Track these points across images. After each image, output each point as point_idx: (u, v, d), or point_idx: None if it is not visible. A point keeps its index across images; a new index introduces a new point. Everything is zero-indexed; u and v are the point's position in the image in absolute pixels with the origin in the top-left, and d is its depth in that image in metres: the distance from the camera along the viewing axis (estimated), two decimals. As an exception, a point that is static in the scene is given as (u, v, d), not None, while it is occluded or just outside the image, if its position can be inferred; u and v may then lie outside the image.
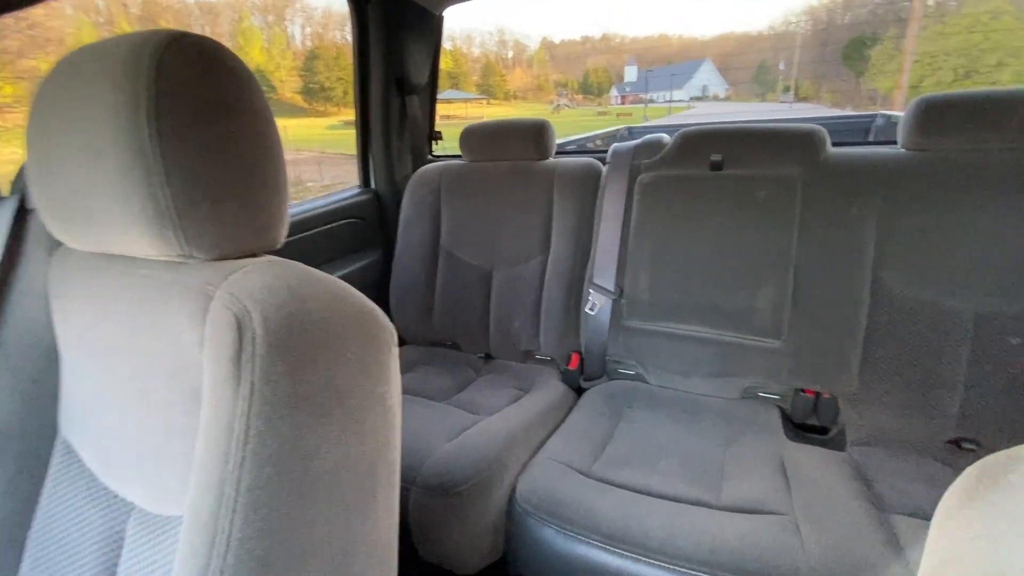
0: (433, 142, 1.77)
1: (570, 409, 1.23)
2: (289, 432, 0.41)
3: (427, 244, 1.51)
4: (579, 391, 1.33)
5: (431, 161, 1.67)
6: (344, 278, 1.49)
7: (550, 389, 1.29)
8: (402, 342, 1.58)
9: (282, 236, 0.53)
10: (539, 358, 1.42)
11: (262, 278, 0.46)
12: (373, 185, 1.66)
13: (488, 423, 1.10)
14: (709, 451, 1.03)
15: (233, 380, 0.41)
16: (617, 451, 1.05)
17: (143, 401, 0.51)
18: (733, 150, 1.19)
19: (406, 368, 1.44)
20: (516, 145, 1.44)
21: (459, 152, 1.53)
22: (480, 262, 1.47)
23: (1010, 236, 0.97)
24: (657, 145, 1.29)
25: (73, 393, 0.60)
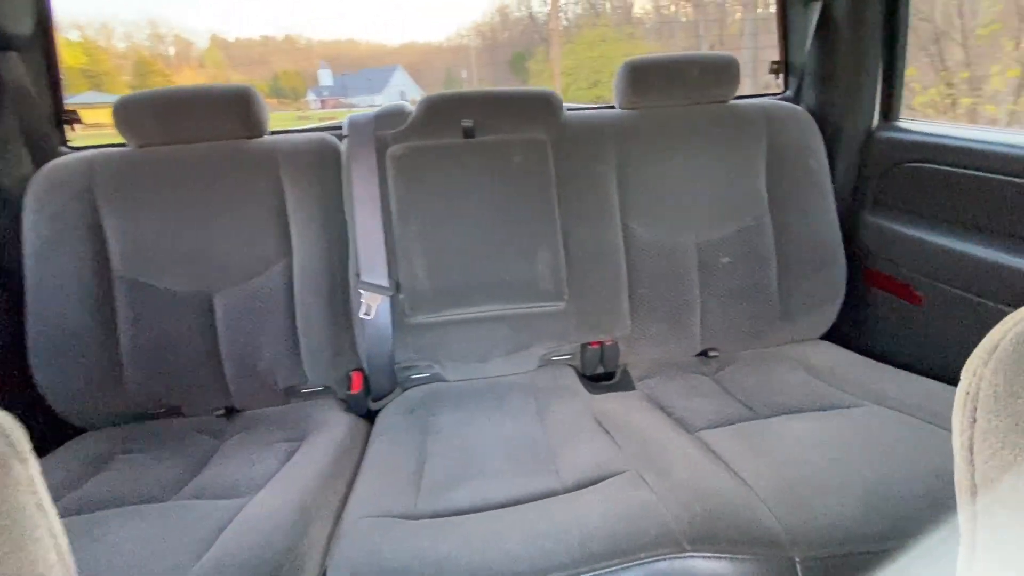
0: (67, 127, 1.19)
1: (366, 443, 0.99)
2: None
3: (86, 274, 1.00)
4: (371, 416, 1.09)
5: (66, 153, 1.11)
6: None
7: (333, 427, 1.01)
8: (72, 431, 1.03)
9: None
10: (307, 392, 1.11)
11: None
12: None
13: (258, 504, 0.77)
14: (529, 432, 0.95)
15: None
16: (437, 472, 0.87)
17: None
18: (482, 116, 1.12)
19: (91, 469, 0.93)
20: (212, 121, 1.06)
21: (120, 139, 1.06)
22: (190, 287, 1.05)
23: (707, 177, 1.17)
24: (400, 113, 1.13)
25: None
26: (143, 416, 1.05)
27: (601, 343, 1.16)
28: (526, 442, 0.92)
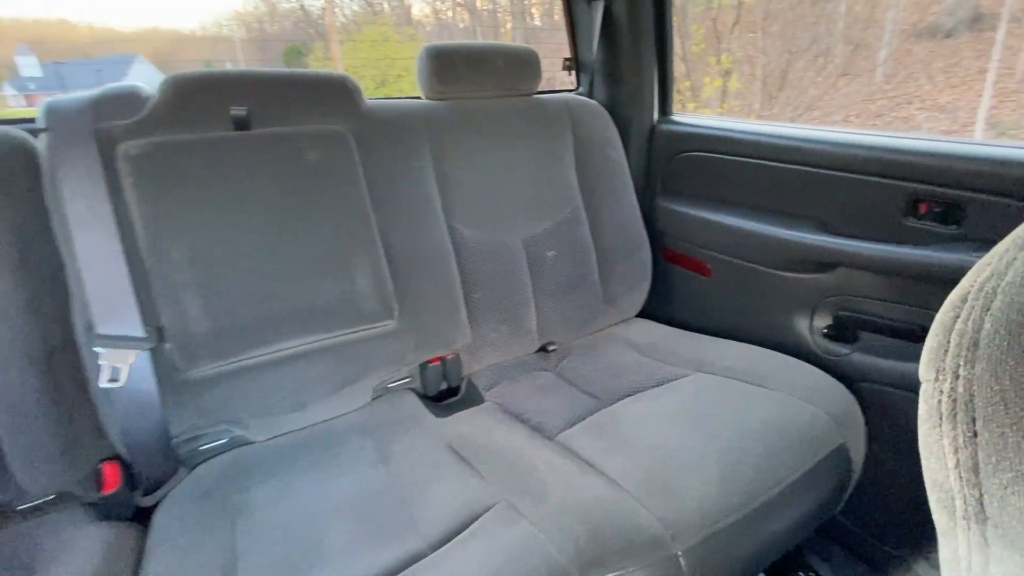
0: None
1: (139, 557, 0.70)
2: None
3: None
4: (144, 515, 0.78)
5: None
6: None
7: (80, 551, 0.69)
8: None
9: None
10: (26, 509, 0.74)
11: None
12: None
13: None
14: (372, 484, 0.78)
15: None
16: (258, 568, 0.65)
17: None
18: (258, 102, 0.88)
19: None
20: None
21: None
22: None
23: (524, 171, 1.14)
24: (133, 99, 0.82)
25: None
26: None
27: (442, 358, 1.05)
28: (371, 498, 0.75)
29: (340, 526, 0.71)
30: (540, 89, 1.22)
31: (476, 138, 1.10)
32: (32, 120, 0.82)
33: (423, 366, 1.03)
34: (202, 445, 0.85)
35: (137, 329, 0.76)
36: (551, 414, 0.93)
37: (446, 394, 1.09)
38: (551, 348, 1.17)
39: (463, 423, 0.92)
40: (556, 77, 1.52)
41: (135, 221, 0.78)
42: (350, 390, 0.95)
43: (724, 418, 0.83)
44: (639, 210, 1.28)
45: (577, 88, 1.44)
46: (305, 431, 0.92)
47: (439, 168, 1.04)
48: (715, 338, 1.13)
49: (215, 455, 0.86)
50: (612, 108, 1.30)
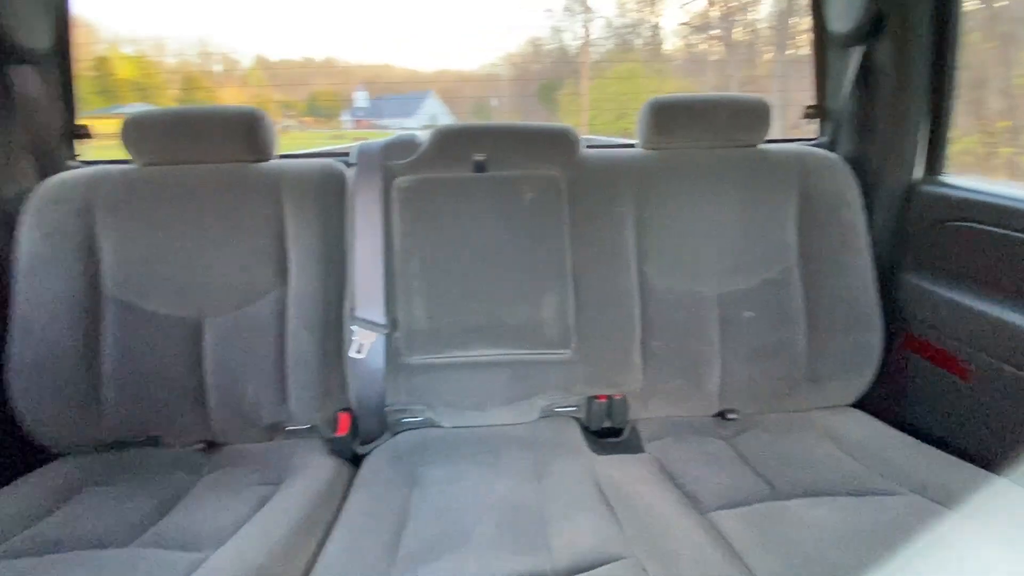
0: (76, 140, 1.18)
1: (347, 489, 0.91)
2: None
3: (76, 294, 0.97)
4: (357, 460, 1.02)
5: (74, 168, 1.10)
6: None
7: (314, 471, 0.94)
8: (46, 456, 0.98)
9: None
10: (292, 430, 1.04)
11: None
12: None
13: (219, 561, 0.70)
14: (524, 497, 0.86)
15: None
16: (419, 534, 0.78)
17: None
18: (494, 150, 1.07)
19: (58, 499, 0.87)
20: (218, 143, 1.03)
21: (126, 156, 1.04)
22: (181, 312, 1.00)
23: (732, 224, 1.09)
24: (410, 144, 1.09)
25: None
26: (120, 444, 1.00)
27: (609, 397, 1.08)
28: (519, 509, 0.83)
29: (488, 523, 0.80)
30: (774, 137, 1.16)
31: (683, 185, 1.10)
32: (347, 154, 1.14)
33: (590, 400, 1.08)
34: (405, 418, 1.05)
35: (380, 317, 0.99)
36: (711, 487, 0.87)
37: (608, 432, 1.11)
38: (731, 416, 1.09)
39: (616, 467, 0.93)
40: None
41: (395, 235, 1.03)
42: (522, 405, 1.06)
43: (932, 565, 0.66)
44: (875, 283, 1.09)
45: (817, 139, 1.31)
46: (481, 429, 1.06)
47: (640, 213, 1.08)
48: (956, 459, 0.89)
49: (412, 428, 1.06)
50: (858, 163, 1.14)
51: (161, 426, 1.00)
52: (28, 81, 1.04)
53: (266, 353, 1.00)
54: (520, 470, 0.93)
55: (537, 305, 1.04)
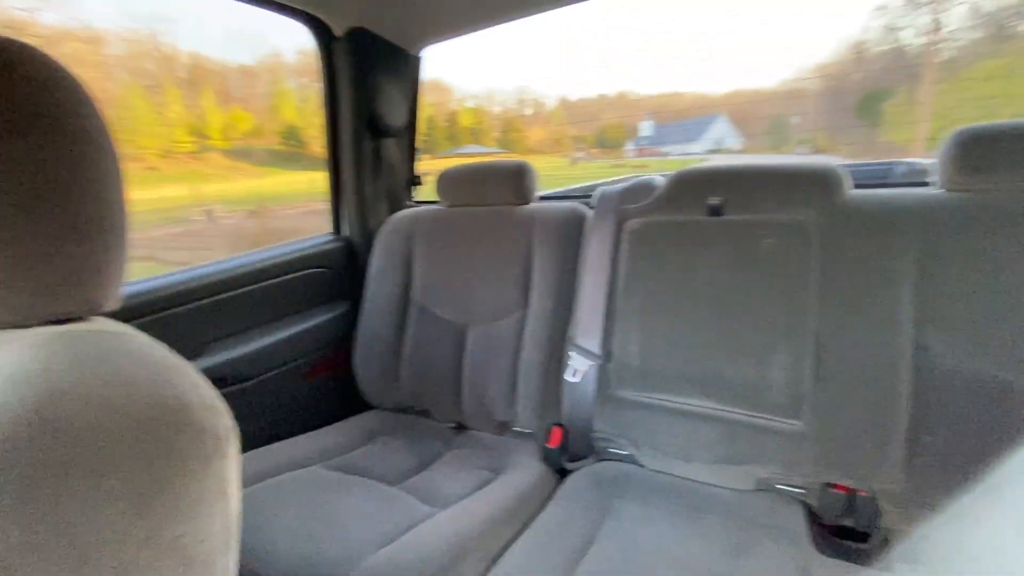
0: (413, 188, 1.66)
1: (548, 497, 1.02)
2: None
3: (397, 297, 1.36)
4: (562, 472, 1.12)
5: (408, 207, 1.55)
6: (302, 335, 1.34)
7: (526, 471, 1.08)
8: (366, 406, 1.39)
9: (107, 296, 0.38)
10: (517, 431, 1.22)
11: (21, 358, 0.30)
12: (345, 232, 1.53)
13: (439, 521, 0.90)
14: (714, 565, 0.80)
15: None
16: (599, 562, 0.83)
17: None
18: (734, 192, 1.02)
19: (366, 438, 1.25)
20: (494, 189, 1.30)
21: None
22: (454, 318, 1.30)
23: None
24: (648, 188, 1.14)
25: None
26: (406, 409, 1.35)
27: (852, 490, 0.89)
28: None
29: (669, 574, 0.79)
30: None
31: (997, 240, 0.83)
32: (589, 196, 1.26)
33: (825, 487, 0.91)
34: (610, 447, 1.10)
35: (596, 348, 1.08)
36: None
37: (850, 534, 0.91)
38: None
39: (840, 574, 0.78)
40: None
41: (620, 274, 1.09)
42: (733, 469, 0.97)
43: None
44: None
45: None
46: (685, 483, 1.02)
47: (924, 270, 0.86)
48: None
49: (615, 459, 1.10)
50: None
51: (431, 402, 1.31)
52: (390, 149, 1.52)
53: (505, 361, 1.21)
54: (719, 538, 0.87)
55: (764, 364, 0.94)
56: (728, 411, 0.97)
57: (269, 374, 1.27)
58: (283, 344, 1.31)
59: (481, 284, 1.27)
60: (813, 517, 0.92)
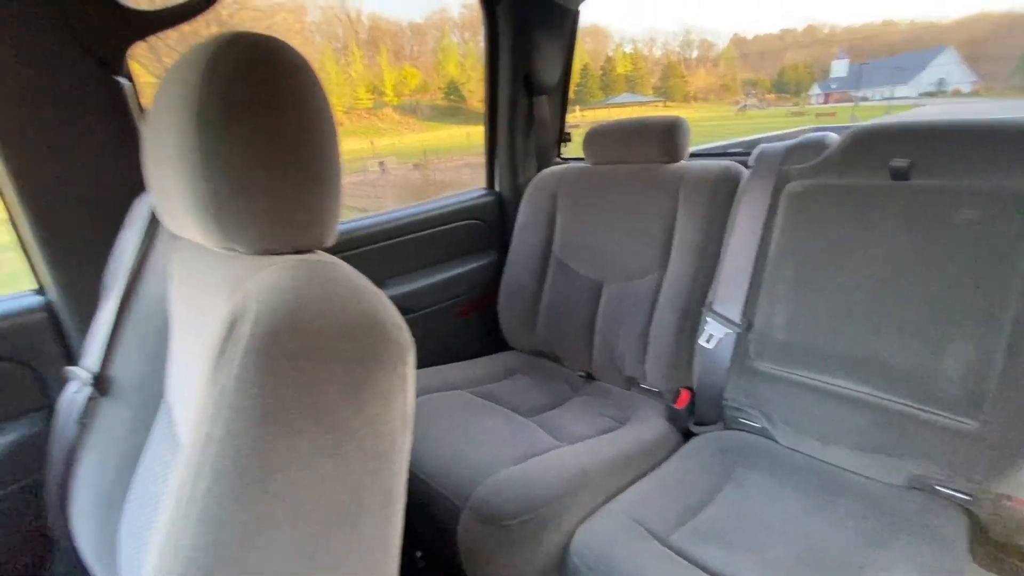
0: (562, 145, 1.70)
1: (670, 454, 1.06)
2: (250, 445, 0.39)
3: (539, 250, 1.45)
4: (686, 435, 1.14)
5: (555, 164, 1.60)
6: (456, 278, 1.53)
7: (650, 426, 1.12)
8: (506, 347, 1.54)
9: (330, 234, 0.51)
10: (644, 388, 1.25)
11: (279, 276, 0.44)
12: (497, 187, 1.65)
13: (564, 452, 0.99)
14: (843, 549, 0.78)
15: (209, 380, 0.40)
16: (713, 520, 0.85)
17: (199, 377, 0.54)
18: (926, 154, 0.88)
19: (504, 374, 1.40)
20: (641, 146, 1.28)
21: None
22: (590, 273, 1.35)
23: None
24: (817, 146, 1.03)
25: (173, 360, 0.67)
26: (541, 354, 1.47)
27: None
28: (831, 558, 0.76)
29: (788, 547, 0.78)
30: None
31: None
32: (746, 155, 1.18)
33: (998, 498, 0.80)
34: (740, 417, 1.08)
35: (736, 316, 1.05)
36: None
37: (1018, 552, 0.80)
38: None
39: None
40: None
41: (773, 241, 1.03)
42: (881, 460, 0.90)
43: None
44: None
45: None
46: (820, 465, 0.97)
47: None
48: None
49: (744, 429, 1.08)
50: None
51: (563, 350, 1.41)
52: (542, 106, 1.57)
53: (638, 320, 1.23)
54: (854, 525, 0.82)
55: (938, 351, 0.83)
56: (884, 398, 0.88)
57: (429, 309, 1.47)
58: (440, 285, 1.50)
59: (620, 243, 1.29)
60: (977, 527, 0.82)
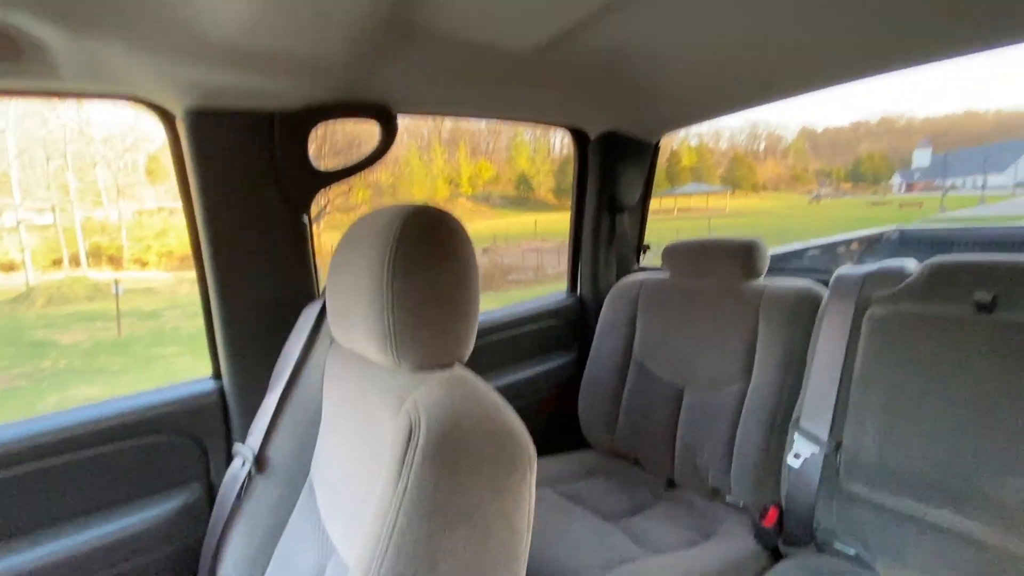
0: (641, 254, 1.84)
1: (759, 574, 1.05)
2: (422, 536, 0.50)
3: (619, 353, 1.54)
4: (775, 554, 1.12)
5: (635, 271, 1.73)
6: (538, 377, 1.64)
7: (737, 542, 1.12)
8: (585, 444, 1.59)
9: (468, 350, 0.66)
10: (729, 501, 1.25)
11: (439, 392, 0.58)
12: (579, 291, 1.80)
13: (652, 564, 1.02)
14: None
15: (394, 478, 0.52)
16: None
17: (356, 467, 0.67)
18: (1011, 287, 0.92)
19: (584, 475, 1.44)
20: (722, 264, 1.38)
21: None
22: (671, 378, 1.41)
23: None
24: (897, 275, 1.08)
25: (322, 446, 0.82)
26: (621, 455, 1.51)
27: None
28: None
29: None
30: None
31: None
32: (826, 274, 1.24)
33: None
34: (833, 542, 1.06)
35: (824, 434, 1.06)
36: None
37: None
38: None
39: None
40: None
41: (857, 363, 1.06)
42: None
43: None
44: None
45: None
46: None
47: None
48: None
49: (839, 556, 1.05)
50: None
51: (642, 453, 1.44)
52: (623, 222, 1.74)
53: (722, 430, 1.27)
54: None
55: None
56: (990, 535, 0.86)
57: (515, 404, 1.58)
58: (525, 381, 1.61)
59: (701, 351, 1.36)
60: None
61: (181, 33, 0.73)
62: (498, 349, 1.57)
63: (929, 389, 0.96)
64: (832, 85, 1.18)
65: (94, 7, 0.67)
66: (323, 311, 0.92)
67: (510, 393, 1.57)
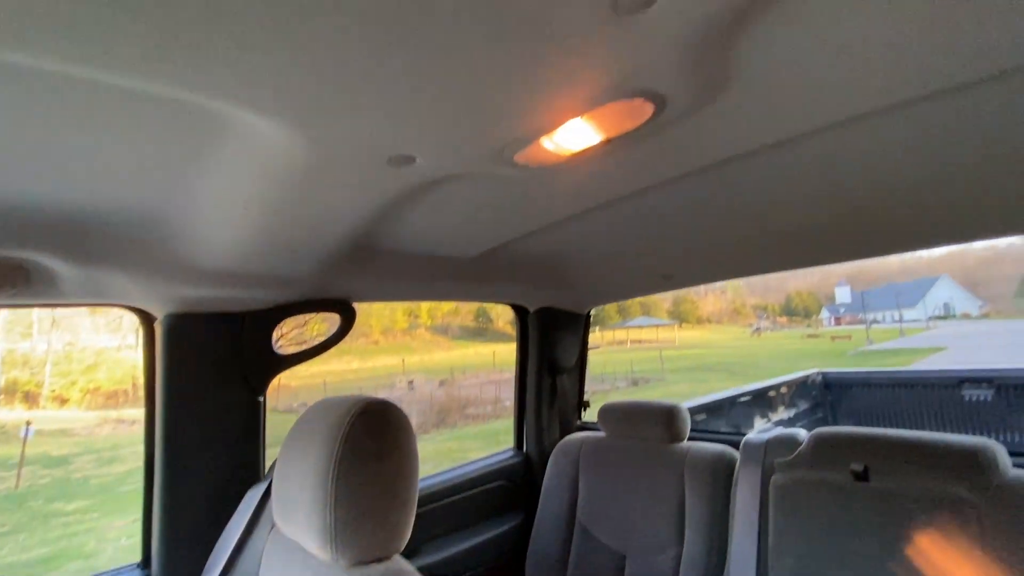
0: (582, 410, 1.97)
1: None
2: None
3: (563, 515, 1.57)
4: None
5: (579, 428, 1.84)
6: (485, 544, 1.62)
7: None
8: None
9: (405, 540, 0.72)
10: None
11: None
12: (525, 448, 1.86)
13: None
14: None
15: None
16: None
17: None
18: (878, 459, 1.08)
19: None
20: (647, 426, 1.51)
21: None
22: (614, 544, 1.44)
23: None
24: (792, 442, 1.24)
25: None
26: None
27: None
28: None
29: None
30: None
31: None
32: (742, 436, 1.38)
33: None
34: None
35: None
36: None
37: None
38: None
39: None
40: None
41: (770, 530, 1.16)
42: None
43: None
44: None
45: None
46: None
47: None
48: None
49: None
50: None
51: None
52: (564, 381, 1.89)
53: None
54: None
55: None
56: None
57: None
58: (471, 550, 1.58)
59: (638, 516, 1.42)
60: None
61: (174, 261, 0.88)
62: (443, 516, 1.56)
63: (829, 554, 1.06)
64: (721, 279, 1.46)
65: (103, 244, 0.82)
66: (267, 493, 0.95)
67: (454, 568, 1.53)
